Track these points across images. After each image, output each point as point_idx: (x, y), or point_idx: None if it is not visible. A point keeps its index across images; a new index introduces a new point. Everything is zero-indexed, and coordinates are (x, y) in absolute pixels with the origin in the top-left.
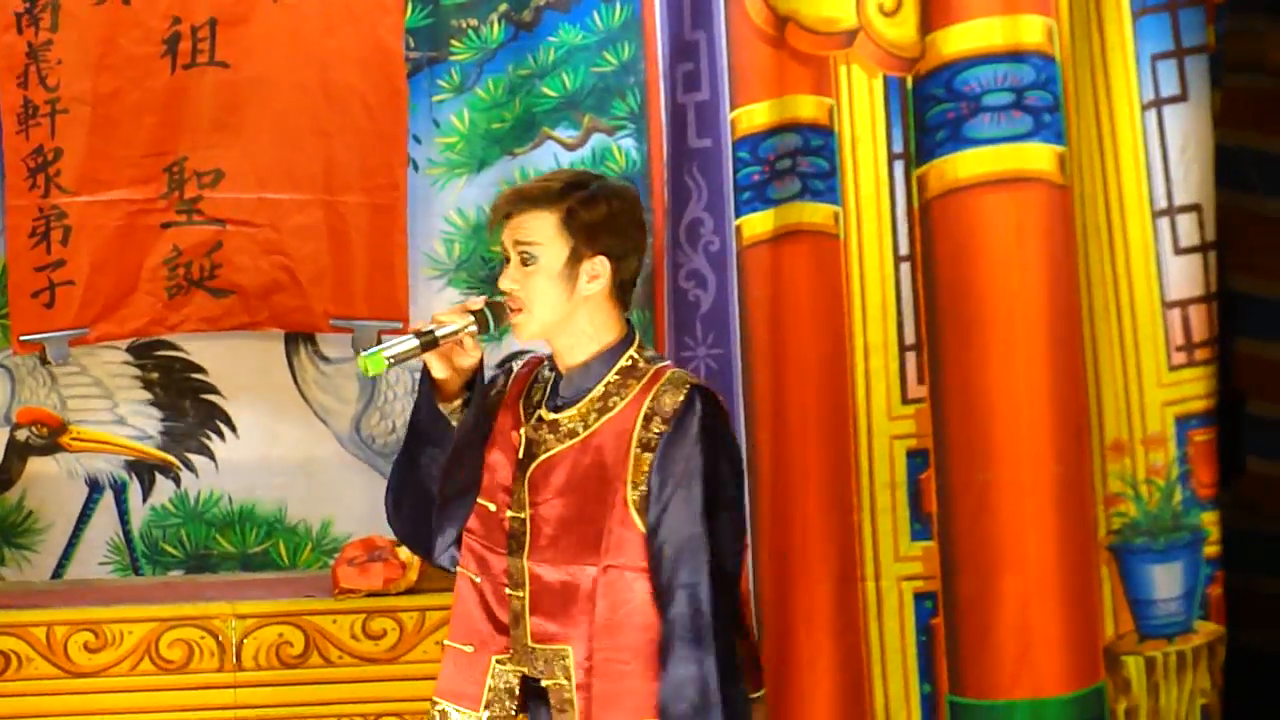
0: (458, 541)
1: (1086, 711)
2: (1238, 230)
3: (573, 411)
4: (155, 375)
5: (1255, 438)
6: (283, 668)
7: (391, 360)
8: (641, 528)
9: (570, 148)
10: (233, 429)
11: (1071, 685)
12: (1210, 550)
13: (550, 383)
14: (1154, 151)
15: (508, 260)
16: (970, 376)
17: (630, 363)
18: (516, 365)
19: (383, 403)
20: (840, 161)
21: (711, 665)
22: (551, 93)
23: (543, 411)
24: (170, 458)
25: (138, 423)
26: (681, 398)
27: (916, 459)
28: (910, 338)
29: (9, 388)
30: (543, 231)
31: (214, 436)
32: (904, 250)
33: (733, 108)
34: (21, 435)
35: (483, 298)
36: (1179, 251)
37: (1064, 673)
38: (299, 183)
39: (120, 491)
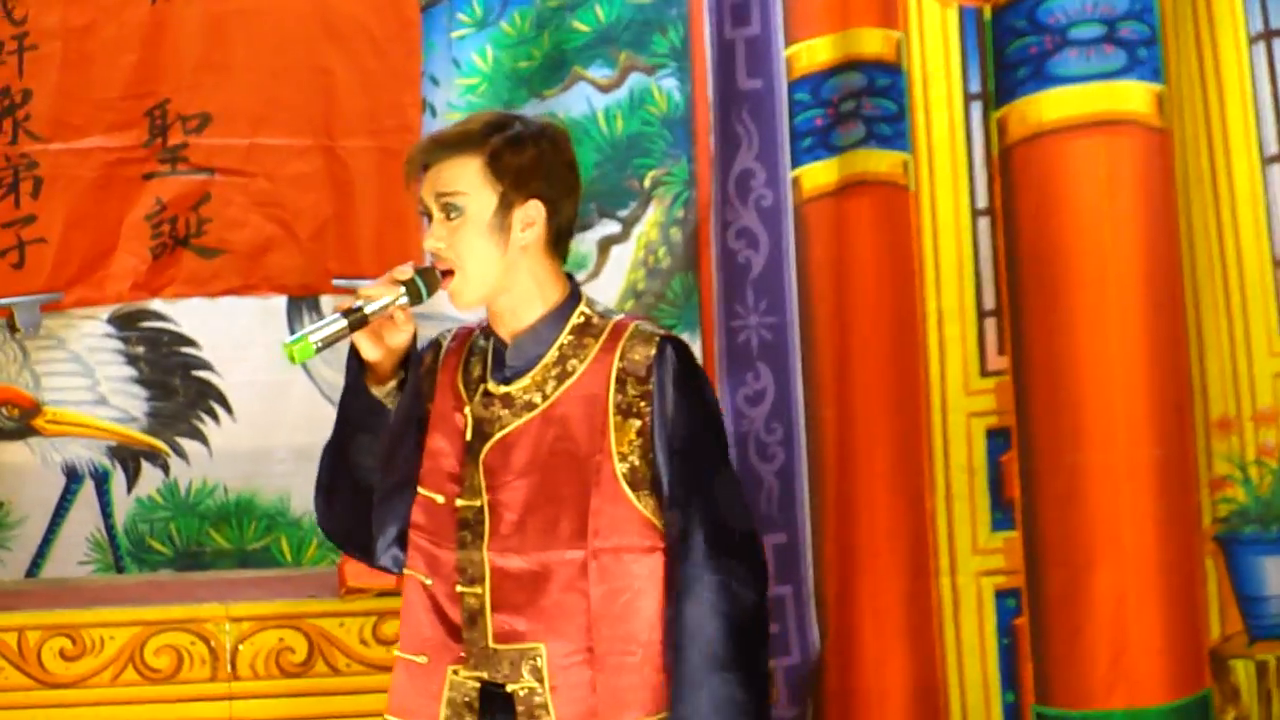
0: (400, 540)
1: None
2: None
3: (526, 381)
4: (140, 349)
5: None
6: (283, 676)
7: (320, 344)
8: (636, 503)
9: (605, 89)
10: (228, 410)
11: (1172, 693)
12: None
13: (490, 352)
14: (1263, 89)
15: (429, 217)
16: (1057, 345)
17: (583, 319)
18: (446, 340)
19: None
20: (910, 103)
21: (747, 684)
22: (584, 27)
23: (490, 385)
24: (158, 443)
25: (121, 403)
26: (652, 351)
27: (997, 439)
28: (989, 302)
29: None
30: (466, 179)
31: (207, 419)
32: (982, 203)
33: (788, 43)
34: None
35: (410, 264)
36: None
37: (1164, 679)
38: (296, 126)
39: (102, 481)
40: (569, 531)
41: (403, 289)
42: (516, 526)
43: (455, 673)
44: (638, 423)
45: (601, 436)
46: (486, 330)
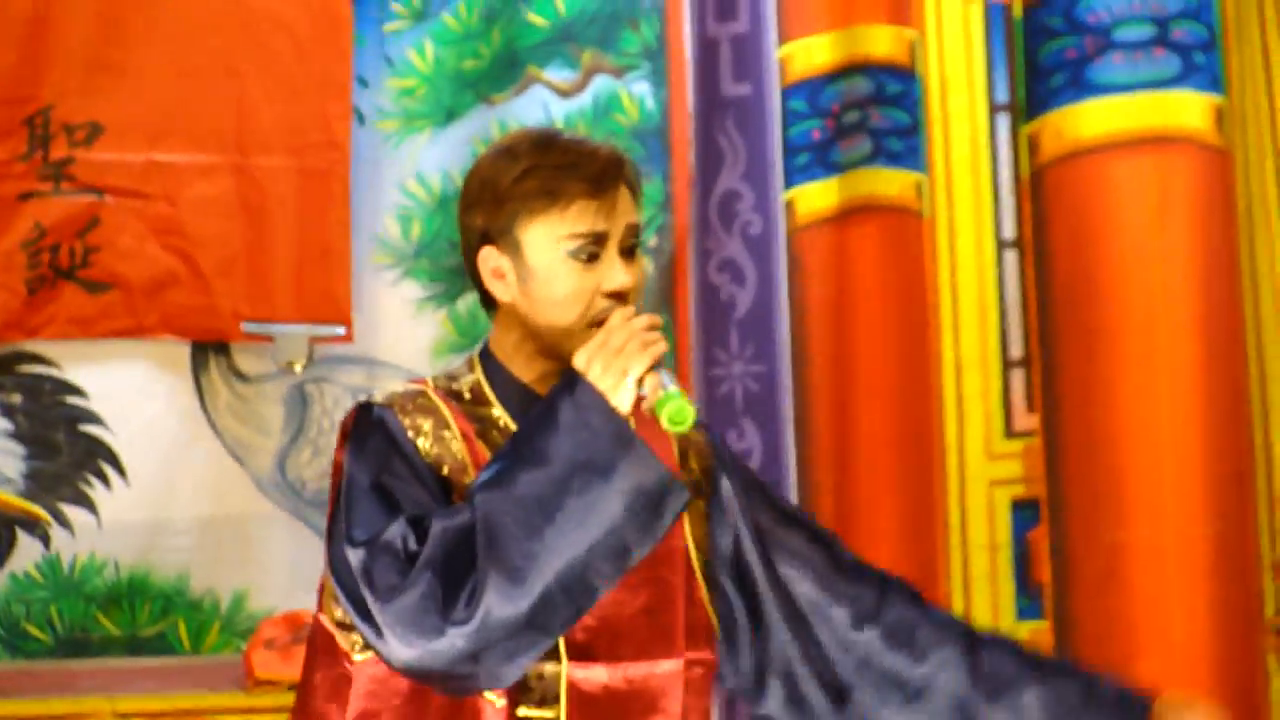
0: None
1: None
2: None
3: None
4: (17, 399)
5: None
6: None
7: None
8: (709, 608)
9: (565, 93)
10: (120, 472)
11: None
12: None
13: (498, 419)
14: None
15: (592, 257)
16: (1096, 402)
17: None
18: (395, 411)
19: (315, 434)
20: (925, 115)
21: None
22: (541, 21)
23: None
24: (37, 510)
25: None
26: (702, 426)
27: (1024, 512)
28: (1017, 350)
29: None
30: (638, 212)
31: (96, 482)
32: (1009, 233)
33: (782, 42)
34: None
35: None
36: None
37: None
38: (202, 140)
39: None
40: (658, 637)
41: None
42: (593, 632)
43: None
44: (702, 504)
45: (677, 522)
46: (470, 391)
